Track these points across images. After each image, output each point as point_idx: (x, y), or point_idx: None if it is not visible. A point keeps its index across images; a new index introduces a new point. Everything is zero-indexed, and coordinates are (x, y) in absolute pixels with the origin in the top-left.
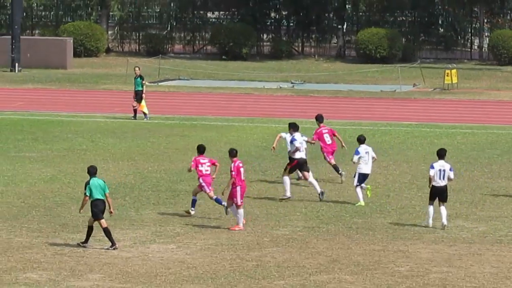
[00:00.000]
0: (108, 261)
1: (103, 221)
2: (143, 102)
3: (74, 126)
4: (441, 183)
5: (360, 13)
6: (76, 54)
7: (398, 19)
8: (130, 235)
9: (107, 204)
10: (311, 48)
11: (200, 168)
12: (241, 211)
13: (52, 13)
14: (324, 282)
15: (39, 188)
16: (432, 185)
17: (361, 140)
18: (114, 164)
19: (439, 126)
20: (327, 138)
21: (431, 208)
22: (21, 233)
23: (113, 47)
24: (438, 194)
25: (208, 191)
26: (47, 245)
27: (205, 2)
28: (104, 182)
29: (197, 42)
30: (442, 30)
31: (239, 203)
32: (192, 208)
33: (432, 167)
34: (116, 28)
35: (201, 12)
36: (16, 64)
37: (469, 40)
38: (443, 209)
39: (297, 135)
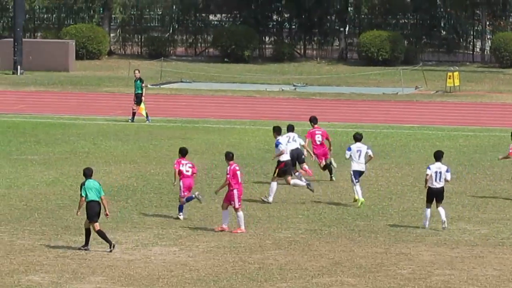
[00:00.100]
0: (110, 263)
1: (96, 224)
2: (142, 105)
3: (76, 129)
4: (437, 185)
5: (362, 16)
6: (78, 57)
7: (400, 21)
8: (132, 238)
9: (102, 206)
10: (313, 51)
11: (181, 168)
12: (240, 213)
13: (54, 15)
14: (326, 284)
15: (42, 191)
16: (429, 187)
17: (357, 138)
18: (116, 167)
19: (441, 128)
20: (318, 139)
21: (428, 211)
22: (24, 236)
23: (115, 49)
24: (435, 196)
25: (182, 194)
26: (49, 247)
27: (207, 5)
28: (100, 184)
29: (199, 44)
30: (444, 32)
31: (237, 206)
32: (181, 213)
33: (429, 169)
34: (118, 30)
35: (203, 14)
36: (18, 67)
37: (471, 43)
38: (441, 209)
39: (282, 138)
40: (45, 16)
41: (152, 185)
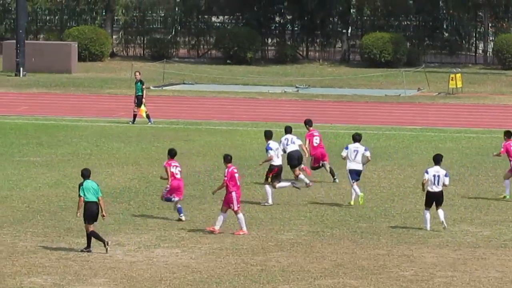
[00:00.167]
0: (112, 265)
1: (92, 226)
2: (142, 107)
3: (78, 131)
4: (436, 188)
5: (365, 18)
6: (81, 59)
7: (403, 23)
8: (135, 240)
9: (99, 207)
10: (315, 53)
11: (172, 170)
12: (240, 215)
13: (56, 17)
14: (328, 286)
15: (44, 193)
16: (428, 191)
17: (355, 138)
18: (118, 169)
19: (443, 130)
20: (316, 140)
21: (427, 214)
22: (26, 238)
23: (118, 51)
24: (434, 200)
25: (164, 193)
26: (51, 249)
27: (209, 7)
28: (98, 185)
29: (201, 46)
30: (446, 34)
31: (235, 208)
32: (179, 219)
33: (427, 172)
34: (121, 32)
35: (206, 16)
36: (21, 69)
37: (474, 45)
38: (440, 212)
39: (273, 143)
40: (48, 18)
41: (154, 187)
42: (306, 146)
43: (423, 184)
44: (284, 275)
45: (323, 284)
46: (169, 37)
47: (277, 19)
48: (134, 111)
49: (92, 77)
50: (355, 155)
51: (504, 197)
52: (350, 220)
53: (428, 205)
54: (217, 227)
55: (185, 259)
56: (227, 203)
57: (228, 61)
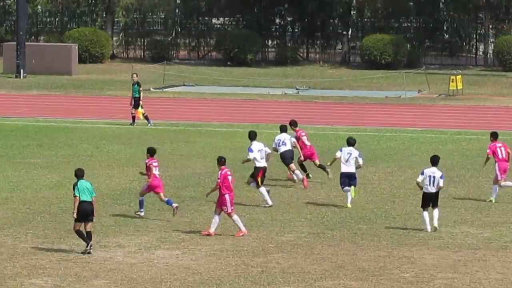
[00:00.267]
0: (113, 267)
1: (81, 225)
2: (139, 109)
3: (79, 132)
4: (431, 189)
5: (365, 19)
6: (81, 60)
7: (403, 25)
8: (135, 241)
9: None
10: (316, 54)
11: (154, 172)
12: (235, 217)
13: (57, 19)
14: None
15: (44, 194)
16: (423, 192)
17: (350, 142)
18: (119, 170)
19: (444, 132)
20: (305, 140)
21: (425, 214)
22: (26, 239)
23: (118, 53)
24: (430, 201)
25: (144, 189)
26: (52, 251)
27: (210, 9)
28: (92, 185)
29: (202, 48)
30: (447, 36)
31: (229, 210)
32: (174, 211)
33: (422, 173)
34: (121, 34)
35: (206, 18)
36: (21, 70)
37: (474, 46)
38: (435, 212)
39: (255, 145)
40: (48, 19)
41: None
42: (298, 147)
43: (417, 184)
44: (285, 276)
45: (324, 285)
46: (169, 39)
47: (277, 21)
48: (132, 113)
49: (93, 79)
50: (348, 158)
51: (490, 200)
52: (350, 221)
53: (424, 206)
54: (212, 230)
55: (186, 261)
56: (220, 205)
57: (228, 63)
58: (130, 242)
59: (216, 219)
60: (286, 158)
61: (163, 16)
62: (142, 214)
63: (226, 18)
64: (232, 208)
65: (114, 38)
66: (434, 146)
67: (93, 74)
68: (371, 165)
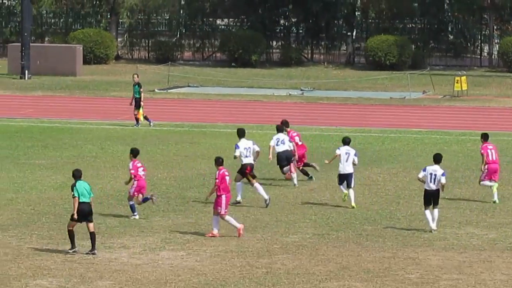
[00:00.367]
0: (118, 268)
1: (74, 224)
2: (140, 110)
3: (83, 133)
4: (433, 187)
5: (370, 20)
6: (86, 61)
7: (408, 26)
8: (140, 242)
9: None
10: (320, 55)
11: (138, 172)
12: (227, 217)
13: (61, 20)
14: None
15: (49, 195)
16: (425, 189)
17: (346, 141)
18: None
19: (449, 133)
20: (297, 141)
21: (427, 213)
22: (31, 240)
23: (123, 54)
24: (431, 198)
25: (132, 193)
26: (57, 252)
27: (214, 10)
28: (90, 185)
29: (206, 49)
30: (451, 37)
31: (222, 212)
32: (135, 213)
33: (424, 170)
34: (126, 35)
35: (211, 19)
36: (26, 71)
37: (479, 47)
38: (435, 213)
39: (242, 143)
40: (53, 21)
41: (159, 190)
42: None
43: (419, 179)
44: (289, 277)
45: (328, 286)
46: (174, 40)
47: (282, 21)
48: (134, 114)
49: (97, 80)
50: (347, 158)
51: (494, 201)
52: (355, 222)
53: (426, 203)
54: (215, 231)
55: (190, 262)
56: (216, 206)
57: (233, 63)
58: (135, 243)
59: (215, 219)
60: (282, 159)
61: (167, 17)
62: (137, 217)
63: (230, 19)
64: (226, 210)
65: (119, 39)
66: (439, 147)
67: (97, 75)
68: (376, 166)
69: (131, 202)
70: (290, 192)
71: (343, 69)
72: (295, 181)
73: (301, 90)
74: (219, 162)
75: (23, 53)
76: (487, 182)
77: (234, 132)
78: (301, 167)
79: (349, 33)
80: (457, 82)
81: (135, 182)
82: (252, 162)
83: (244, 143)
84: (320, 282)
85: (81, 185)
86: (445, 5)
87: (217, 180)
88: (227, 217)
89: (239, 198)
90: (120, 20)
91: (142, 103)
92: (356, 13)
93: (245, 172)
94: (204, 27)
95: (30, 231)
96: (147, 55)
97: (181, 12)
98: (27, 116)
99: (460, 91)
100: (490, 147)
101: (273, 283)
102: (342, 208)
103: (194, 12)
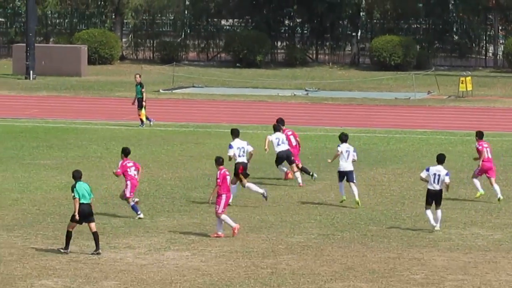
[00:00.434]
0: (123, 268)
1: (74, 226)
2: (143, 110)
3: (88, 134)
4: (436, 187)
5: (374, 21)
6: (91, 62)
7: (413, 26)
8: (145, 242)
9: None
10: (325, 56)
11: (129, 172)
12: (223, 216)
13: (66, 21)
14: None
15: (54, 195)
16: (428, 189)
17: (343, 139)
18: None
19: (454, 133)
20: (293, 140)
21: (428, 212)
22: (37, 240)
23: (127, 54)
24: (434, 198)
25: (128, 195)
26: (62, 252)
27: (219, 10)
28: (90, 186)
29: (211, 49)
30: (456, 37)
31: (220, 211)
32: (139, 213)
33: (427, 170)
34: (130, 35)
35: (215, 19)
36: (31, 72)
37: (484, 48)
38: (439, 213)
39: (235, 143)
40: (58, 21)
41: (164, 190)
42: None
43: (421, 179)
44: (295, 278)
45: (333, 287)
46: (178, 40)
47: (286, 22)
48: (138, 114)
49: (102, 80)
50: (347, 155)
51: (499, 199)
52: (360, 223)
53: (428, 203)
54: (220, 232)
55: (195, 262)
56: (216, 204)
57: (237, 64)
58: (140, 243)
59: (219, 220)
60: (281, 159)
61: (172, 18)
62: (142, 215)
63: (235, 20)
64: (223, 209)
65: (123, 40)
66: (444, 148)
67: (102, 75)
68: (381, 166)
69: (132, 203)
70: (295, 193)
71: (348, 70)
72: (300, 180)
73: (306, 90)
74: (219, 161)
75: (28, 54)
76: (477, 181)
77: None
78: (301, 166)
79: (354, 34)
80: (462, 83)
81: (128, 183)
82: (246, 161)
83: (238, 143)
84: (325, 283)
85: (81, 186)
86: (450, 6)
87: (219, 180)
88: (223, 216)
89: (262, 190)
90: (125, 21)
91: (144, 103)
92: (361, 14)
93: (238, 172)
94: (209, 28)
95: (35, 231)
96: (151, 56)
97: (186, 12)
98: (32, 117)
99: (465, 92)
100: (485, 145)
101: (278, 284)
102: (347, 208)
103: (198, 13)
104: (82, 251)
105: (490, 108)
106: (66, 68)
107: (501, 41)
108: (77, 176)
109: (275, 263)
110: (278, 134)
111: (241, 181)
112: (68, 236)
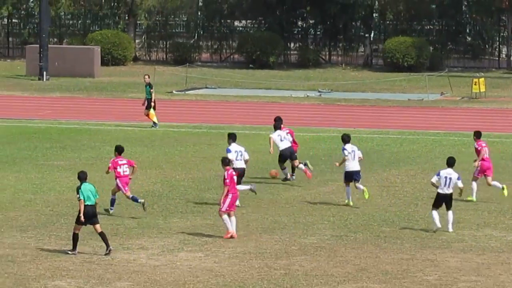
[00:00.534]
0: (136, 269)
1: (80, 228)
2: (151, 111)
3: (102, 135)
4: (447, 190)
5: (387, 22)
6: (104, 63)
7: (426, 27)
8: (158, 243)
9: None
10: (338, 57)
11: (118, 169)
12: (225, 216)
13: (79, 22)
14: None
15: (68, 196)
16: (438, 192)
17: (345, 139)
18: (142, 173)
19: (467, 135)
20: (289, 138)
21: (435, 212)
22: (50, 241)
23: (141, 55)
24: (443, 201)
25: (124, 191)
26: (76, 252)
27: (232, 11)
28: (95, 187)
29: (224, 50)
30: (469, 38)
31: (223, 209)
32: (111, 207)
33: (438, 174)
34: (144, 36)
35: (228, 21)
36: (44, 73)
37: (497, 49)
38: (450, 214)
39: (233, 146)
40: (71, 22)
41: (177, 191)
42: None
43: (432, 184)
44: (308, 279)
45: None
46: (191, 42)
47: (299, 23)
48: (146, 114)
49: (115, 81)
50: (354, 156)
51: (471, 200)
52: (373, 224)
53: (436, 206)
54: (231, 230)
55: (209, 263)
56: (221, 202)
57: (250, 65)
58: (153, 244)
59: (231, 220)
60: (285, 156)
61: (185, 19)
62: (112, 211)
63: (248, 21)
64: (227, 208)
65: (137, 41)
66: (457, 149)
67: (115, 76)
68: (394, 167)
69: (130, 196)
70: (308, 194)
71: (361, 71)
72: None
73: (319, 91)
74: (226, 162)
75: (41, 55)
76: (474, 185)
77: (251, 134)
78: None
79: (366, 35)
80: (475, 84)
81: (117, 180)
82: (244, 166)
83: (235, 147)
84: (338, 284)
85: (86, 187)
86: (463, 7)
87: (227, 181)
88: (225, 216)
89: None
90: (138, 22)
91: (153, 104)
92: (374, 15)
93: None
94: (222, 29)
95: (48, 232)
96: (165, 57)
97: (199, 13)
98: (45, 118)
99: (478, 93)
100: (484, 144)
101: (291, 285)
102: (360, 209)
103: (211, 14)
104: (95, 252)
105: (503, 109)
106: (79, 69)
107: None
108: (82, 177)
109: (288, 264)
110: (278, 131)
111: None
112: (75, 238)
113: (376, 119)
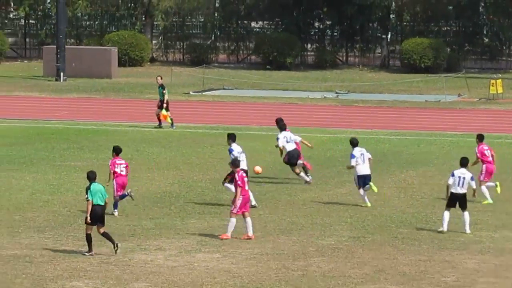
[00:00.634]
0: (154, 270)
1: (91, 228)
2: (164, 111)
3: (119, 136)
4: (460, 190)
5: (405, 23)
6: (121, 64)
7: (443, 29)
8: (176, 244)
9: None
10: (355, 58)
11: (116, 169)
12: (233, 219)
13: (96, 22)
14: None
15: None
16: (451, 192)
17: (354, 143)
18: (159, 173)
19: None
20: (295, 138)
21: (446, 213)
22: (67, 242)
23: (157, 56)
24: (457, 201)
25: (115, 193)
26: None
27: (249, 12)
28: (104, 187)
29: (241, 51)
30: (487, 39)
31: (234, 211)
32: (115, 210)
33: (452, 175)
34: (160, 37)
35: (245, 22)
36: (61, 74)
37: None
38: (466, 216)
39: (235, 146)
40: (88, 23)
41: (195, 192)
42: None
43: (447, 188)
44: (325, 280)
45: None
46: (208, 43)
47: (316, 24)
48: (157, 114)
49: (132, 82)
50: (363, 158)
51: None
52: (391, 225)
53: (449, 206)
54: (250, 233)
55: (226, 264)
56: (241, 206)
57: (267, 66)
58: (171, 245)
59: (246, 221)
60: (293, 158)
61: (202, 20)
62: (117, 214)
63: (265, 22)
64: (238, 211)
65: (154, 42)
66: (475, 150)
67: (132, 77)
68: (411, 169)
69: (121, 194)
70: (326, 195)
71: (378, 72)
72: (307, 178)
73: (336, 93)
74: (236, 164)
75: (58, 56)
76: (490, 184)
77: (268, 135)
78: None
79: (383, 36)
80: (492, 85)
81: (113, 182)
82: (246, 168)
83: (236, 148)
84: (356, 285)
85: (95, 187)
86: (480, 8)
87: (239, 182)
88: (233, 219)
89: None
90: (155, 23)
91: (165, 105)
92: (391, 16)
93: (231, 174)
94: (239, 30)
95: (66, 232)
96: (181, 58)
97: (216, 14)
98: (63, 118)
99: (496, 94)
100: (486, 148)
101: (308, 286)
102: (377, 211)
103: (228, 15)
104: (113, 253)
105: None
106: (96, 70)
107: None
108: (91, 177)
109: (305, 266)
110: (284, 132)
111: (224, 179)
112: (88, 239)
113: (393, 120)
